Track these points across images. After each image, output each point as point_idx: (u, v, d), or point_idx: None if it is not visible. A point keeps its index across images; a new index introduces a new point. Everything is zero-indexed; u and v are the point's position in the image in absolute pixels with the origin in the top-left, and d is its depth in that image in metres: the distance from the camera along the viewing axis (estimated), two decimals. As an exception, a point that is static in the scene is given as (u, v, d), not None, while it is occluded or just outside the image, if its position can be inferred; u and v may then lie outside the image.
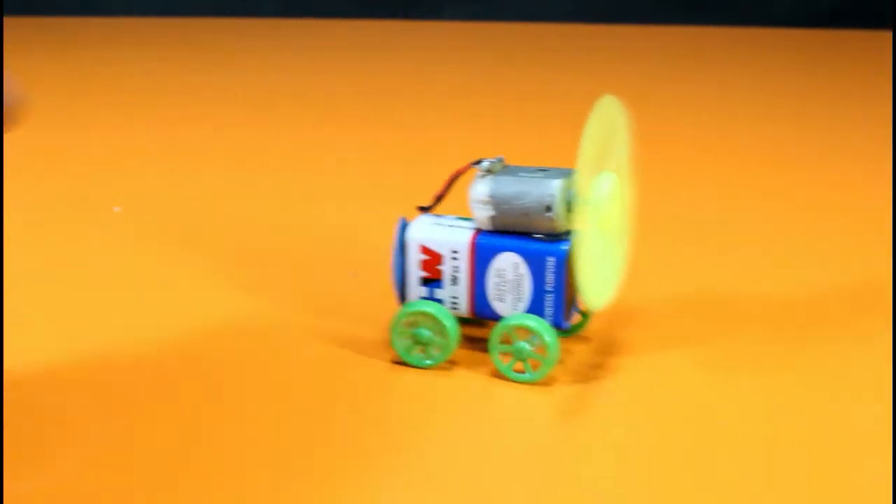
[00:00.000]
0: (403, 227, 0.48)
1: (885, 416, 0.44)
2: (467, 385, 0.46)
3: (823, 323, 0.54)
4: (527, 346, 0.46)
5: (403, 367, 0.48)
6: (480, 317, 0.48)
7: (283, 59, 1.48)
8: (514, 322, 0.46)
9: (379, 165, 0.88)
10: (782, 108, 1.15)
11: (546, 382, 0.46)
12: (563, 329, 0.47)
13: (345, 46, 1.60)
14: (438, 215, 0.50)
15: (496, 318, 0.48)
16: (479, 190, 0.47)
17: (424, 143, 0.97)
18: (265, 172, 0.86)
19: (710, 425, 0.43)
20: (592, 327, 0.53)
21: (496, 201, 0.46)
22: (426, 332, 0.47)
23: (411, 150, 0.94)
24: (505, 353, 0.47)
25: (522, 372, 0.47)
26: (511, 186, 0.46)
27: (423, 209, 0.50)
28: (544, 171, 0.47)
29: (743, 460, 0.40)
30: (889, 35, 1.81)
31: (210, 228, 0.71)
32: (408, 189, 0.81)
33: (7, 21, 1.79)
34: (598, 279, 0.47)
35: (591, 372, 0.48)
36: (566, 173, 0.47)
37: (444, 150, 0.94)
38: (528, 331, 0.47)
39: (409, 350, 0.48)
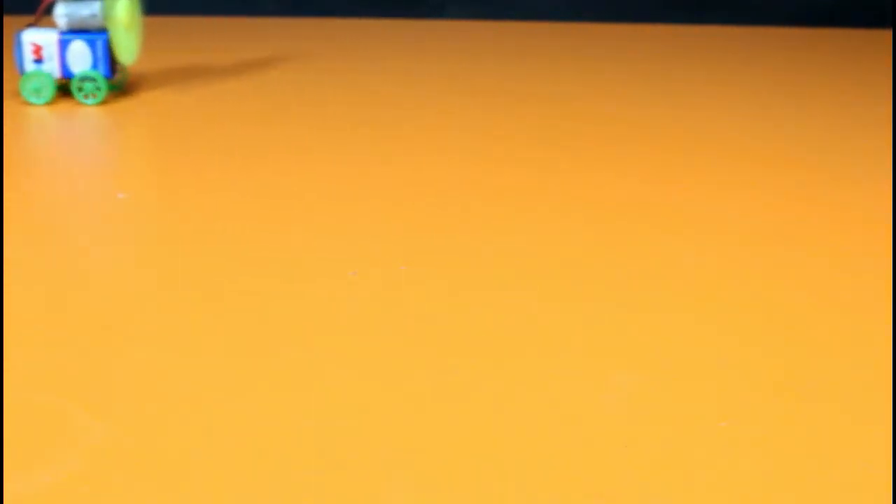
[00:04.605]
0: (19, 34, 1.04)
1: (884, 416, 0.44)
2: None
3: (822, 322, 0.54)
4: (91, 85, 1.06)
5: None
6: (65, 77, 1.06)
7: (284, 58, 1.48)
8: (83, 74, 1.06)
9: (377, 165, 0.88)
10: (782, 107, 1.15)
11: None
12: (110, 78, 1.07)
13: (345, 45, 1.60)
14: (39, 28, 1.06)
15: (72, 75, 1.06)
16: (58, 10, 1.04)
17: (426, 142, 0.97)
18: (265, 171, 0.86)
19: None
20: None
21: (69, 13, 1.04)
22: (37, 85, 1.05)
23: (412, 150, 0.94)
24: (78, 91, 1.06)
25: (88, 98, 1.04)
26: (78, 8, 1.05)
27: (30, 25, 1.06)
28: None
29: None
30: (889, 35, 1.82)
31: (209, 227, 0.71)
32: (408, 187, 0.81)
33: (7, 20, 1.79)
34: (124, 48, 1.06)
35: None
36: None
37: (444, 150, 0.94)
38: (92, 78, 1.06)
39: (32, 93, 1.05)
